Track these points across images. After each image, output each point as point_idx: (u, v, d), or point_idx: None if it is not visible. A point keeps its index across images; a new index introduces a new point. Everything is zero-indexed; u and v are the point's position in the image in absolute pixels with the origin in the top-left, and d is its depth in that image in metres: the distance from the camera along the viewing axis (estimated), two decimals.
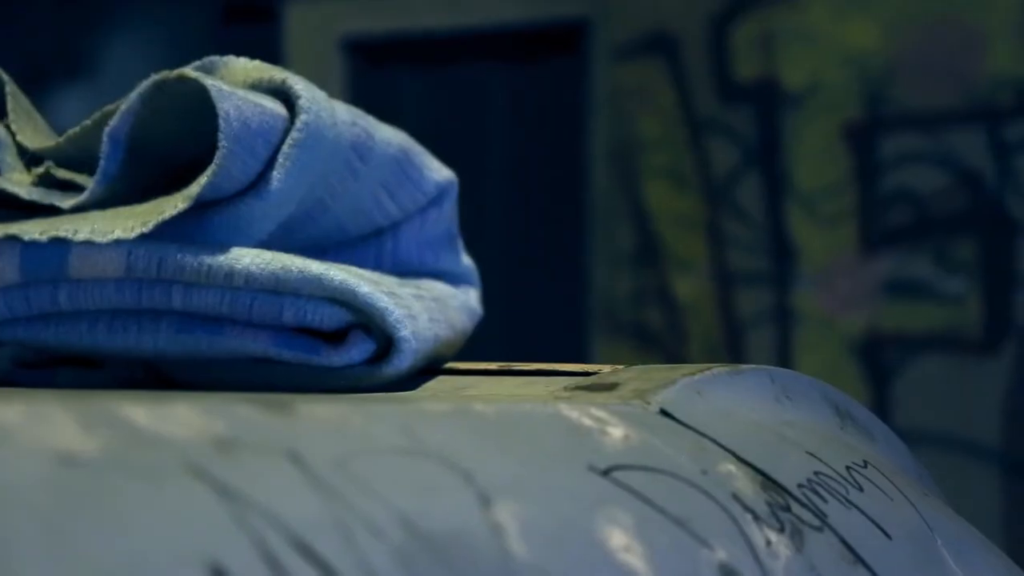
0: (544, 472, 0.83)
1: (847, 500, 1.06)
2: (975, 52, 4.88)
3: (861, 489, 1.08)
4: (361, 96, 6.30)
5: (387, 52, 6.20)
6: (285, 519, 0.62)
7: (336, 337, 1.07)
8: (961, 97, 4.88)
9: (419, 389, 1.11)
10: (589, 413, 0.93)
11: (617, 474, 0.85)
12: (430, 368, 1.17)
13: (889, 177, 4.97)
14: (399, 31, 6.10)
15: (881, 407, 4.90)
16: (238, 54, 1.13)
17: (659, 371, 1.08)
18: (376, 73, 6.24)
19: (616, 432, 0.92)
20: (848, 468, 1.10)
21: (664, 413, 0.99)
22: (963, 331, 4.85)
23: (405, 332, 1.07)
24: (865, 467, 1.12)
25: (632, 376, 1.08)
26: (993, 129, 4.82)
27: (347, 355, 1.06)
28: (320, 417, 0.73)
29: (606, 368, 1.11)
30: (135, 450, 0.61)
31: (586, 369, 1.11)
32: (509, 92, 5.94)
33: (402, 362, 1.08)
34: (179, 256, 1.00)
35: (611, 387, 1.02)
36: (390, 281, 1.14)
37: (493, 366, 1.19)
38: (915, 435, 4.75)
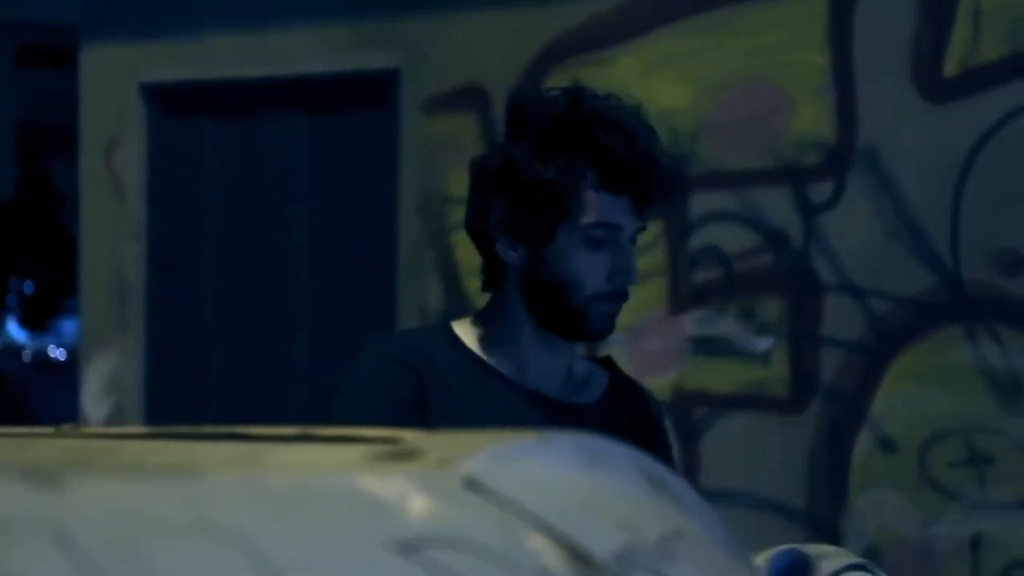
0: (340, 549, 0.78)
1: (658, 572, 1.03)
2: (781, 113, 4.94)
3: (673, 561, 1.05)
4: (161, 143, 6.19)
5: (188, 100, 6.11)
6: None
7: None
8: (768, 157, 4.93)
9: (210, 457, 1.05)
10: (390, 485, 0.88)
11: (418, 550, 0.81)
12: (222, 432, 1.11)
13: (697, 235, 5.00)
14: (201, 80, 6.01)
15: (689, 465, 4.92)
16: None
17: (465, 438, 1.03)
18: (177, 121, 6.14)
19: (418, 505, 0.87)
20: (660, 538, 1.07)
21: (470, 483, 0.94)
22: (769, 390, 4.88)
23: None
24: (677, 537, 1.09)
25: (437, 444, 1.03)
26: (799, 189, 4.88)
27: None
28: (94, 494, 0.67)
29: (409, 435, 1.06)
30: None
31: (389, 436, 1.06)
32: (315, 143, 5.88)
33: None
34: None
35: (414, 455, 0.97)
36: None
37: (291, 431, 1.13)
38: (722, 494, 4.77)
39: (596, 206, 2.36)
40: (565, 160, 2.37)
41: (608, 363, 2.58)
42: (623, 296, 2.41)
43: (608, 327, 2.42)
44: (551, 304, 2.40)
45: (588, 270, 2.37)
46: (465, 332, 2.46)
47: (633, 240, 2.41)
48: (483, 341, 2.45)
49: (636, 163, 2.35)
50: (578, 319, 2.39)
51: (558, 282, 2.39)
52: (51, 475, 0.67)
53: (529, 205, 2.37)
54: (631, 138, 2.37)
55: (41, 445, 1.07)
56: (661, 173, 2.37)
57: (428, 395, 2.33)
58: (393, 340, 2.50)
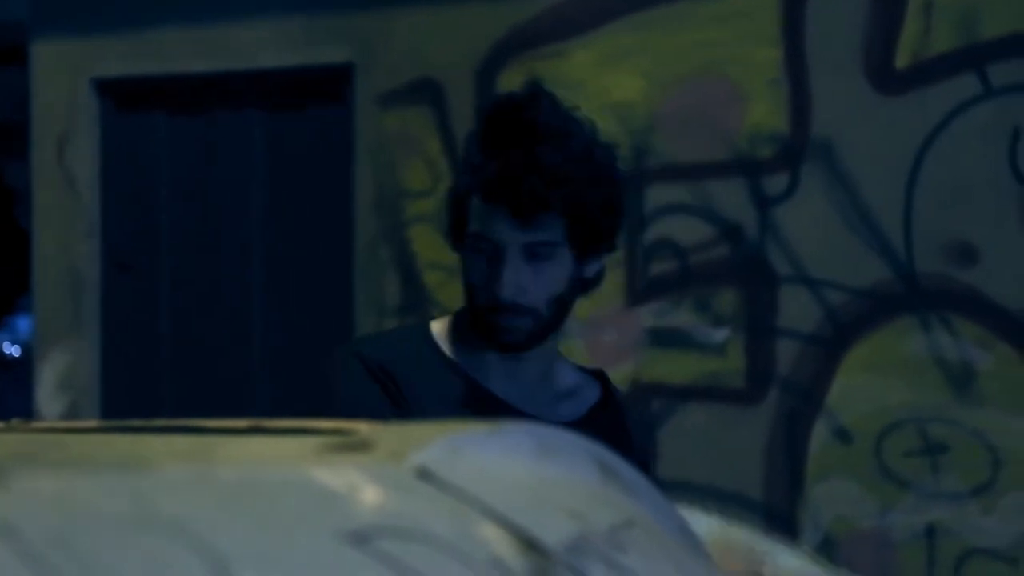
0: (291, 541, 0.78)
1: (610, 561, 1.03)
2: (735, 107, 4.95)
3: (625, 550, 1.05)
4: (114, 139, 6.16)
5: (141, 95, 6.07)
6: None
7: None
8: (722, 150, 4.95)
9: (159, 450, 1.05)
10: (341, 476, 0.88)
11: (370, 541, 0.80)
12: (173, 425, 1.11)
13: (653, 228, 5.01)
14: (154, 74, 5.98)
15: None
16: None
17: (416, 429, 1.03)
18: (130, 116, 6.11)
19: (370, 496, 0.87)
20: (612, 528, 1.07)
21: (421, 474, 0.94)
22: (725, 381, 4.90)
23: None
24: (629, 526, 1.09)
25: (388, 435, 1.03)
26: (753, 182, 4.89)
27: None
28: (40, 488, 0.67)
29: (361, 426, 1.06)
30: None
31: (340, 427, 1.06)
32: (270, 138, 5.85)
33: None
34: None
35: (365, 447, 0.97)
36: None
37: (242, 423, 1.13)
38: (679, 485, 4.77)
39: (477, 216, 2.36)
40: (464, 168, 2.39)
41: (602, 377, 2.55)
42: (508, 308, 2.36)
43: (512, 340, 2.38)
44: (469, 307, 2.42)
45: (475, 279, 2.38)
46: (441, 331, 2.47)
47: (536, 254, 2.34)
48: (455, 340, 2.46)
49: (509, 175, 2.30)
50: (484, 326, 2.38)
51: (464, 286, 2.41)
52: None
53: (447, 208, 2.42)
54: (520, 148, 2.31)
55: None
56: (547, 188, 2.30)
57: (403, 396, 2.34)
58: (365, 346, 2.44)
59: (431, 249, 5.36)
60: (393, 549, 0.83)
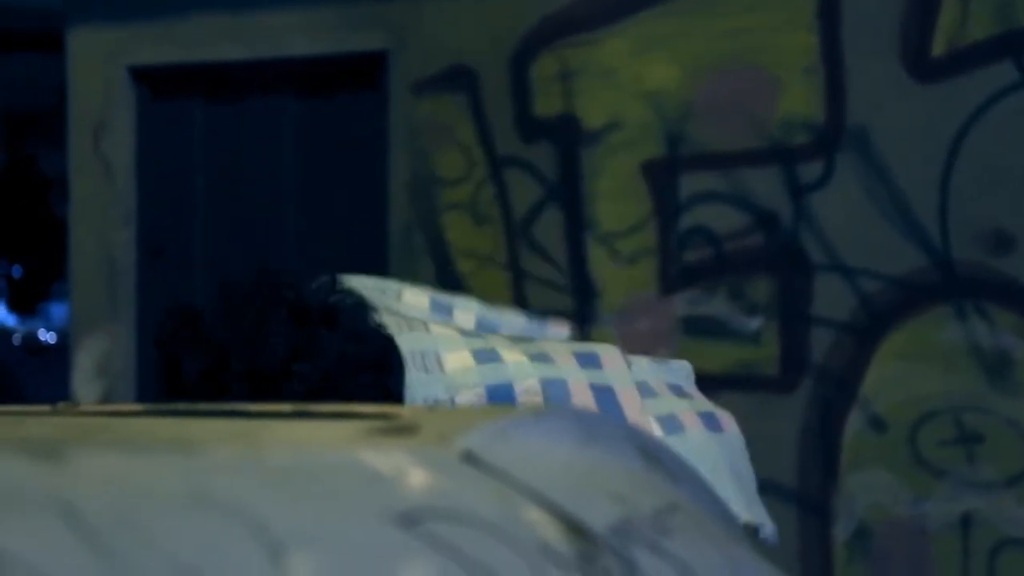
0: (342, 522, 0.78)
1: (655, 546, 1.03)
2: (770, 94, 4.94)
3: (669, 535, 1.05)
4: (150, 126, 6.18)
5: (177, 82, 6.09)
6: None
7: None
8: (757, 138, 4.94)
9: (210, 432, 1.06)
10: (389, 459, 0.88)
11: (418, 524, 0.81)
12: (220, 410, 1.11)
13: (687, 216, 5.01)
14: (190, 62, 6.00)
15: None
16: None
17: (461, 413, 1.04)
18: (166, 103, 6.13)
19: (417, 479, 0.87)
20: (656, 513, 1.07)
21: (467, 457, 0.95)
22: (759, 369, 4.89)
23: None
24: (672, 511, 1.09)
25: (433, 419, 1.03)
26: (787, 170, 4.88)
27: None
28: (97, 467, 0.67)
29: (405, 410, 1.07)
30: None
31: (384, 411, 1.06)
32: (304, 125, 5.87)
33: None
34: None
35: (411, 430, 0.98)
36: None
37: (287, 408, 1.13)
38: None
39: None
40: None
41: None
42: None
43: None
44: None
45: None
46: None
47: None
48: None
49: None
50: None
51: None
52: (54, 450, 0.68)
53: None
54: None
55: (40, 422, 1.07)
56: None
57: None
58: None
59: (465, 237, 5.36)
60: (442, 531, 0.84)
